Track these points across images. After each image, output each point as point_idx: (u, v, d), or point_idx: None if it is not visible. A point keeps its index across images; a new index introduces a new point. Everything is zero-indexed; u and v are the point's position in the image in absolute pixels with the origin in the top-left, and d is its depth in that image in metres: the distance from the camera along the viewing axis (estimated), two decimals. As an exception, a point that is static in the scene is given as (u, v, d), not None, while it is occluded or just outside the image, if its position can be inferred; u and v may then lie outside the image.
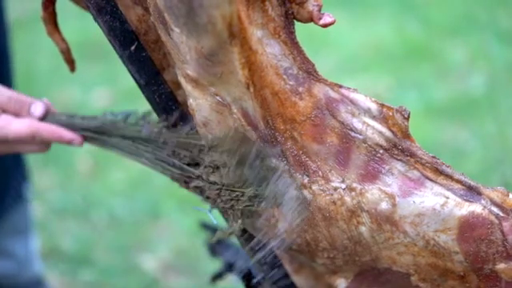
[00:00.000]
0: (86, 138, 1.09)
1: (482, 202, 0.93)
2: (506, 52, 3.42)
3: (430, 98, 3.17)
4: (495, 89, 3.20)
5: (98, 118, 1.08)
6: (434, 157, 0.95)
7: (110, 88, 3.31)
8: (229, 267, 1.39)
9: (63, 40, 1.11)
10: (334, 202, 0.96)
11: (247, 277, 1.12)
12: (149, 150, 1.04)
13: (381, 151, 0.94)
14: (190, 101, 0.97)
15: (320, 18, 0.93)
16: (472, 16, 3.70)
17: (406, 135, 0.94)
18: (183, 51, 0.92)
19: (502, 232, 0.93)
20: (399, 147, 0.94)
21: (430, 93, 3.22)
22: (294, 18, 0.94)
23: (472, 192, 0.94)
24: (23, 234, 1.81)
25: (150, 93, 1.03)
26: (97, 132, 1.07)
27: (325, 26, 0.93)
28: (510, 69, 3.33)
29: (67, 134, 1.08)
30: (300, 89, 0.94)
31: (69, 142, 1.09)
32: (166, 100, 1.03)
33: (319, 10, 0.93)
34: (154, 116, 1.05)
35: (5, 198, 1.72)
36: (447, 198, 0.93)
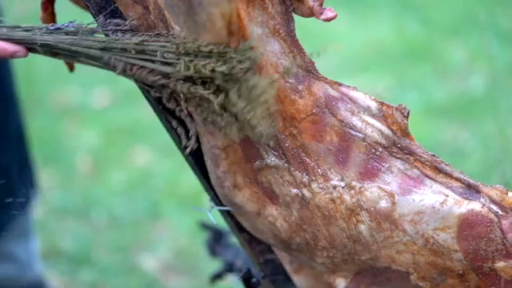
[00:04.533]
0: (31, 50, 1.00)
1: (481, 200, 0.93)
2: (506, 52, 3.41)
3: (430, 98, 3.17)
4: (495, 89, 3.19)
5: (46, 29, 0.99)
6: (433, 155, 0.95)
7: (110, 88, 3.30)
8: (229, 267, 1.39)
9: (62, 40, 1.10)
10: (334, 201, 0.96)
11: (247, 277, 1.11)
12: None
13: (380, 149, 0.94)
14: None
15: (321, 13, 0.93)
16: (472, 16, 3.70)
17: (406, 133, 0.94)
18: (183, 49, 0.92)
19: (502, 230, 0.93)
20: (398, 145, 0.94)
21: (430, 93, 3.21)
22: (295, 13, 0.94)
23: (471, 190, 0.94)
24: (25, 237, 1.80)
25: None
26: (44, 45, 0.99)
27: (326, 20, 0.93)
28: (510, 69, 3.32)
29: (10, 47, 1.01)
30: (300, 87, 0.94)
31: (12, 56, 1.02)
32: (166, 99, 1.03)
33: (320, 5, 0.93)
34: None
35: (11, 204, 1.71)
36: (447, 196, 0.93)
